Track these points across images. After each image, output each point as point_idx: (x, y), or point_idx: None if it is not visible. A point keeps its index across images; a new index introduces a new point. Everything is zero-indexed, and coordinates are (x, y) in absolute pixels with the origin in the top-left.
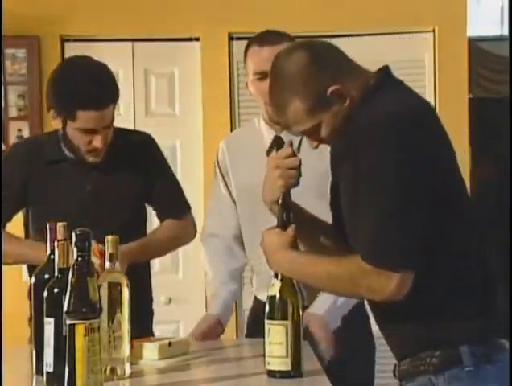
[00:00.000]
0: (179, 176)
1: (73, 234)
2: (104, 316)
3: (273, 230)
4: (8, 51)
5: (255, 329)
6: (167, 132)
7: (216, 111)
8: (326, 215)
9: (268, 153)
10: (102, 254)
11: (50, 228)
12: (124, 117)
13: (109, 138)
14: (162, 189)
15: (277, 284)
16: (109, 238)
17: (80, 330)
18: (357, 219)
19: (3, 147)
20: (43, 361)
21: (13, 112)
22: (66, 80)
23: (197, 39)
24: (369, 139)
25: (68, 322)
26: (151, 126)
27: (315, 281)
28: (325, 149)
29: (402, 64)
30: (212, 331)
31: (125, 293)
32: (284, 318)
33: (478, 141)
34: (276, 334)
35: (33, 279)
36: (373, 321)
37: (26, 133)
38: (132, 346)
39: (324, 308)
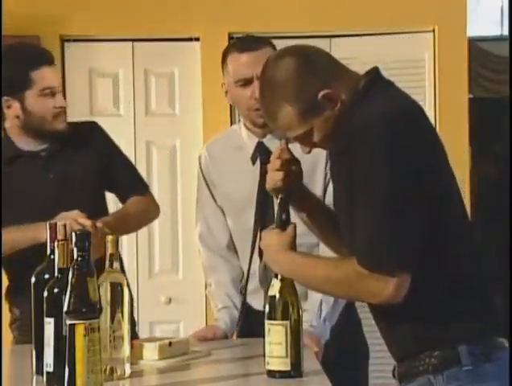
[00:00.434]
0: (178, 176)
1: (73, 234)
2: (104, 316)
3: (272, 230)
4: None
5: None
6: (167, 132)
7: (216, 111)
8: None
9: (252, 159)
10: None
11: (50, 228)
12: (124, 116)
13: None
14: (120, 172)
15: (277, 284)
16: (109, 238)
17: (80, 330)
18: (352, 223)
19: None
20: (43, 361)
21: None
22: (7, 57)
23: (197, 39)
24: (362, 141)
25: (68, 322)
26: (151, 126)
27: (314, 284)
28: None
29: (402, 64)
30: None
31: (126, 292)
32: (284, 318)
33: (478, 141)
34: (276, 334)
35: (33, 279)
36: (365, 323)
37: None
38: (132, 347)
39: (308, 323)
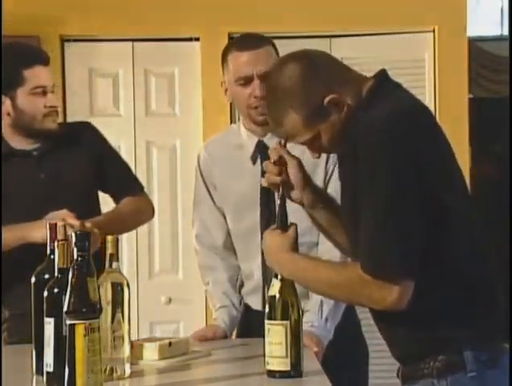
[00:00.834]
0: (179, 176)
1: (73, 234)
2: (104, 316)
3: (274, 231)
4: None
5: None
6: (167, 132)
7: (216, 111)
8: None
9: (252, 159)
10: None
11: (50, 228)
12: (124, 116)
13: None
14: (113, 172)
15: (277, 284)
16: (109, 238)
17: (80, 330)
18: (357, 226)
19: None
20: (43, 361)
21: None
22: (2, 53)
23: (197, 39)
24: (365, 145)
25: (68, 322)
26: (151, 126)
27: (316, 287)
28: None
29: (402, 64)
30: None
31: (126, 293)
32: (284, 318)
33: (478, 141)
34: (276, 334)
35: (33, 279)
36: (365, 323)
37: None
38: (132, 346)
39: (309, 324)
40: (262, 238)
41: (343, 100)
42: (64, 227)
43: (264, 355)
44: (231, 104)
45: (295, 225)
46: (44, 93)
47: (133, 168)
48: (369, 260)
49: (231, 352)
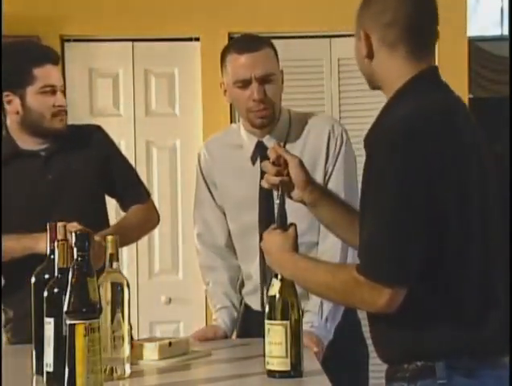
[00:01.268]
0: (179, 176)
1: (73, 234)
2: (104, 316)
3: (274, 231)
4: None
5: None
6: (167, 132)
7: (216, 111)
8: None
9: (252, 159)
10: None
11: (50, 228)
12: (124, 116)
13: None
14: (122, 178)
15: (277, 284)
16: (109, 238)
17: (80, 330)
18: (361, 226)
19: None
20: (43, 361)
21: None
22: (12, 52)
23: (197, 39)
24: (376, 145)
25: (68, 322)
26: (151, 126)
27: (314, 288)
28: (307, 150)
29: None
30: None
31: (126, 293)
32: (283, 318)
33: None
34: (275, 334)
35: (33, 279)
36: (365, 323)
37: None
38: (132, 347)
39: (309, 324)
40: (260, 238)
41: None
42: (64, 227)
43: (264, 355)
44: (231, 104)
45: (295, 225)
46: (54, 92)
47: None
48: (366, 260)
49: (231, 352)
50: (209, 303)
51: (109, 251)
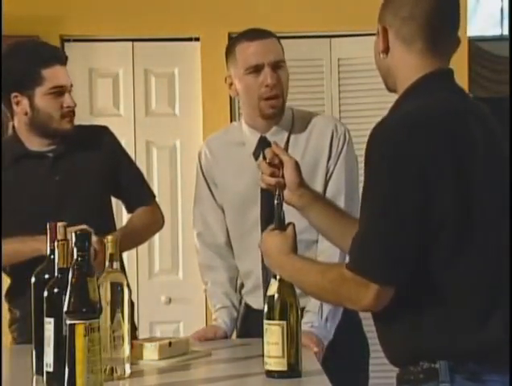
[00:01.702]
0: (179, 176)
1: (73, 234)
2: (104, 316)
3: (273, 232)
4: None
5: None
6: (167, 132)
7: (216, 111)
8: None
9: (254, 155)
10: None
11: (50, 228)
12: (124, 116)
13: (75, 103)
14: (128, 179)
15: (275, 284)
16: (108, 238)
17: (80, 330)
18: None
19: None
20: (43, 361)
21: None
22: (20, 52)
23: (197, 39)
24: (371, 144)
25: (68, 322)
26: (151, 126)
27: (308, 289)
28: (310, 148)
29: None
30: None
31: (126, 293)
32: (281, 318)
33: None
34: (273, 334)
35: (33, 279)
36: (365, 323)
37: None
38: (132, 347)
39: (309, 324)
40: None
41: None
42: (64, 227)
43: (263, 355)
44: (231, 104)
45: (293, 224)
46: (62, 93)
47: None
48: (354, 256)
49: (231, 352)
50: (209, 303)
51: (109, 251)
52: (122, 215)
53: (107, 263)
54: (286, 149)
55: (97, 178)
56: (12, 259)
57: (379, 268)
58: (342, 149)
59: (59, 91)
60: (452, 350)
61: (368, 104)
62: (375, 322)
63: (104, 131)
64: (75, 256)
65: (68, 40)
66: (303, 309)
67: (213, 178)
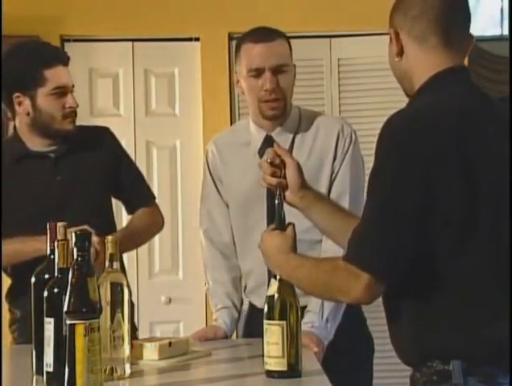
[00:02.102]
0: (179, 176)
1: (73, 234)
2: (104, 316)
3: (273, 232)
4: None
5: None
6: (167, 132)
7: (216, 111)
8: None
9: (259, 153)
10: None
11: (50, 228)
12: (124, 117)
13: (77, 103)
14: (129, 180)
15: (275, 284)
16: (109, 238)
17: (80, 330)
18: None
19: None
20: (43, 361)
21: None
22: (23, 53)
23: (197, 39)
24: (379, 139)
25: (68, 322)
26: (151, 126)
27: (304, 286)
28: (316, 148)
29: None
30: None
31: (126, 293)
32: (280, 318)
33: None
34: (273, 334)
35: (33, 279)
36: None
37: None
38: (132, 346)
39: (309, 324)
40: None
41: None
42: (64, 227)
43: (263, 355)
44: (231, 104)
45: (293, 224)
46: (64, 94)
47: None
48: (350, 246)
49: (231, 352)
50: (210, 302)
51: (109, 251)
52: (122, 216)
53: (107, 263)
54: (291, 148)
55: (98, 179)
56: (13, 259)
57: (372, 259)
58: (348, 149)
59: (62, 91)
60: (465, 351)
61: (368, 104)
62: (388, 322)
63: (105, 132)
64: (75, 256)
65: (68, 40)
66: (304, 308)
67: (219, 176)
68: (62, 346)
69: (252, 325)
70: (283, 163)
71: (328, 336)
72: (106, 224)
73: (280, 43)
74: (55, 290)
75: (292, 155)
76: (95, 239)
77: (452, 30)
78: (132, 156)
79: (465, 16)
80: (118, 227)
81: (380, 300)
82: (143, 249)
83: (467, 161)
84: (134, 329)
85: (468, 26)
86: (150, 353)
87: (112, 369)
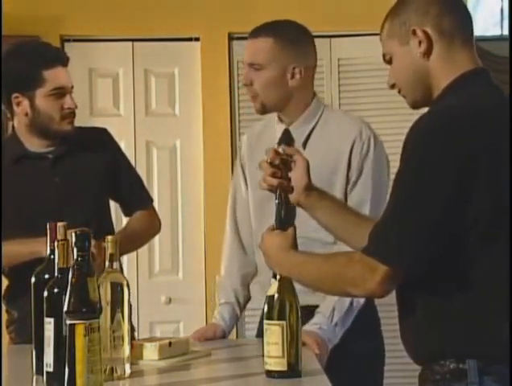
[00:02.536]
0: (179, 176)
1: (73, 234)
2: (104, 316)
3: (273, 231)
4: None
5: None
6: (167, 132)
7: (216, 111)
8: None
9: (278, 146)
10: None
11: (50, 228)
12: (124, 116)
13: (76, 104)
14: (127, 182)
15: (274, 284)
16: (108, 238)
17: (80, 330)
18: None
19: None
20: (43, 361)
21: None
22: (22, 53)
23: (197, 39)
24: (406, 141)
25: (68, 322)
26: (151, 126)
27: (308, 281)
28: (331, 150)
29: None
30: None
31: (126, 293)
32: (280, 318)
33: None
34: (272, 334)
35: (33, 279)
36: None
37: None
38: (132, 347)
39: (317, 326)
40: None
41: None
42: (64, 227)
43: (263, 355)
44: (231, 104)
45: (294, 225)
46: (63, 95)
47: None
48: (371, 239)
49: (231, 352)
50: (219, 292)
51: (109, 251)
52: (122, 218)
53: (107, 263)
54: (305, 144)
55: (96, 181)
56: (12, 260)
57: (393, 253)
58: (367, 156)
59: (60, 92)
60: (481, 350)
61: (368, 104)
62: (400, 318)
63: (103, 133)
64: (75, 256)
65: (68, 40)
66: (306, 308)
67: (244, 168)
68: (62, 346)
69: None
70: (283, 163)
71: (333, 339)
72: (104, 226)
73: (261, 41)
74: (55, 290)
75: (301, 153)
76: (92, 242)
77: (471, 30)
78: (132, 156)
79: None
80: (116, 229)
81: (386, 299)
82: (143, 249)
83: (494, 161)
84: (131, 329)
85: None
86: (150, 353)
87: (112, 369)
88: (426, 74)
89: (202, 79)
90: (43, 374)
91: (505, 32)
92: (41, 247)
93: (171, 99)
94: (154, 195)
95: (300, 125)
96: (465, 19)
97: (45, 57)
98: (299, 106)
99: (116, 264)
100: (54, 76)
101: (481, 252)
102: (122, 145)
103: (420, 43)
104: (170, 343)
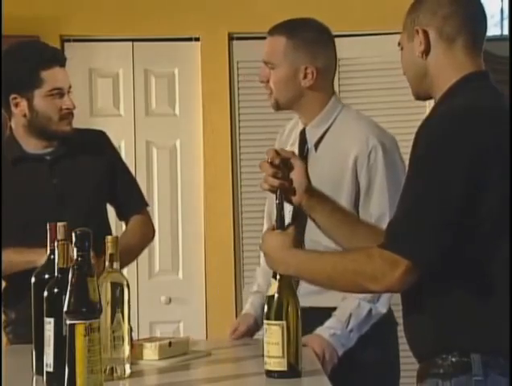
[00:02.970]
0: (179, 176)
1: (73, 234)
2: (104, 316)
3: (272, 231)
4: None
5: None
6: (167, 132)
7: (216, 111)
8: None
9: (299, 144)
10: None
11: (50, 228)
12: (124, 116)
13: (75, 105)
14: (122, 185)
15: (274, 284)
16: (108, 238)
17: (80, 330)
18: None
19: None
20: (43, 361)
21: None
22: (20, 54)
23: (197, 39)
24: (417, 138)
25: (68, 322)
26: (151, 126)
27: (319, 278)
28: (339, 157)
29: None
30: (250, 332)
31: (126, 293)
32: (280, 318)
33: None
34: (273, 334)
35: (33, 279)
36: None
37: None
38: (132, 347)
39: (331, 331)
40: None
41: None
42: (64, 227)
43: (263, 355)
44: (231, 104)
45: (294, 225)
46: (61, 95)
47: (133, 169)
48: (390, 233)
49: (231, 352)
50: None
51: (109, 251)
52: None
53: (107, 263)
54: (316, 145)
55: (93, 183)
56: (7, 269)
57: (413, 246)
58: (375, 168)
59: (59, 92)
60: (485, 344)
61: (368, 104)
62: (405, 311)
63: (101, 135)
64: (75, 256)
65: (68, 40)
66: (309, 310)
67: None
68: (62, 346)
69: None
70: (284, 164)
71: (348, 344)
72: (101, 228)
73: (275, 40)
74: (55, 290)
75: (297, 156)
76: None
77: (476, 34)
78: (132, 156)
79: (486, 25)
80: (114, 231)
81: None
82: None
83: (503, 156)
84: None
85: (484, 37)
86: (150, 353)
87: (112, 369)
88: (424, 72)
89: (202, 79)
90: (43, 374)
91: (505, 32)
92: (37, 257)
93: (171, 99)
94: (154, 196)
95: (315, 126)
96: (475, 23)
97: (43, 57)
98: (314, 106)
99: (116, 264)
100: (52, 77)
101: (492, 248)
102: (122, 146)
103: (420, 42)
104: (170, 343)
